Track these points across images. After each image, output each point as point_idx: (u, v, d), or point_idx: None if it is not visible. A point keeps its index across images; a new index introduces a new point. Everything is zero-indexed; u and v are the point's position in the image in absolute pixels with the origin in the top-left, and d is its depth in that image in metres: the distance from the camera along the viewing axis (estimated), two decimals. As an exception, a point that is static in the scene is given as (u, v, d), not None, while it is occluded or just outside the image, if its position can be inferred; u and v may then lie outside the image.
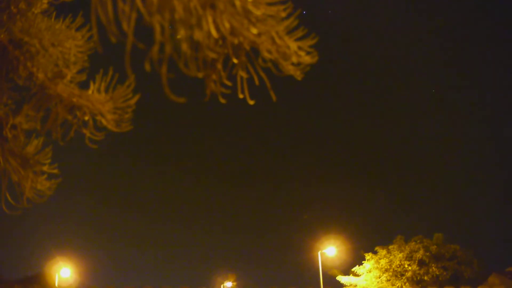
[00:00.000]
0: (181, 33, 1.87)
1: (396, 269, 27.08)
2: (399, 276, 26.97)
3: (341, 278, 28.60)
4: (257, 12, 2.03)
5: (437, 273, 26.48)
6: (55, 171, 3.58)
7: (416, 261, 26.82)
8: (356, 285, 27.27)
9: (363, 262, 28.28)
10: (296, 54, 2.19)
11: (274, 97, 2.23)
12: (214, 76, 2.16)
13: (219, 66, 2.17)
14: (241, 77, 2.20)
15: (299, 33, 2.20)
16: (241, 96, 2.20)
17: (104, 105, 3.24)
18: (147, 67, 1.78)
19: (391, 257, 27.34)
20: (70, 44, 3.52)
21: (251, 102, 2.18)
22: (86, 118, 3.30)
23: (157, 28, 1.82)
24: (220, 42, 2.09)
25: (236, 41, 2.10)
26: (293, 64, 2.22)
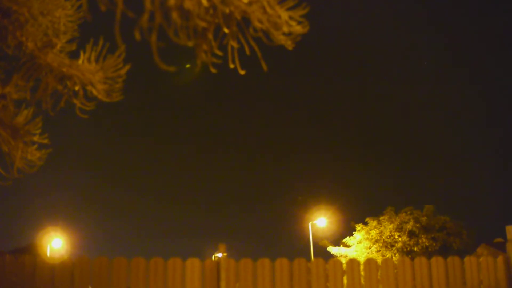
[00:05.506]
0: (171, 2, 1.85)
1: (386, 240, 27.30)
2: (389, 247, 27.21)
3: (332, 249, 28.80)
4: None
5: (427, 244, 26.73)
6: (46, 141, 3.57)
7: (406, 232, 27.03)
8: (346, 256, 27.48)
9: (353, 233, 28.47)
10: (287, 23, 2.18)
11: (265, 67, 2.22)
12: (204, 46, 2.15)
13: (210, 35, 2.15)
14: (232, 47, 2.19)
15: (290, 2, 2.19)
16: (232, 66, 2.19)
17: (95, 75, 3.22)
18: (137, 35, 1.77)
19: (381, 228, 27.54)
20: (59, 13, 3.49)
21: (242, 72, 2.18)
22: (77, 88, 3.29)
23: (147, -4, 1.80)
24: (211, 11, 2.07)
25: (227, 10, 2.09)
26: (284, 34, 2.21)
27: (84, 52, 3.26)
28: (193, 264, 5.53)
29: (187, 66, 2.14)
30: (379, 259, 6.18)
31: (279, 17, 2.16)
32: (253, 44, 2.18)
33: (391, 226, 27.47)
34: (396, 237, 27.23)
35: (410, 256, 25.11)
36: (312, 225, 33.26)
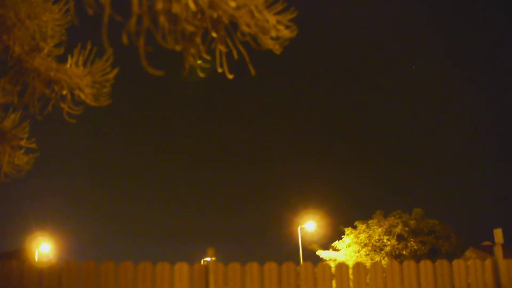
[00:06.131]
0: (159, 6, 1.85)
1: (375, 243, 27.37)
2: (378, 251, 27.27)
3: (321, 253, 28.81)
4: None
5: (415, 247, 26.83)
6: (33, 145, 3.56)
7: (395, 236, 27.12)
8: (335, 260, 27.48)
9: (342, 236, 28.50)
10: (275, 28, 2.18)
11: (253, 71, 2.22)
12: (192, 50, 2.15)
13: (198, 39, 2.15)
14: (220, 51, 2.19)
15: (278, 6, 2.19)
16: (220, 70, 2.19)
17: (82, 79, 3.21)
18: (125, 39, 1.77)
19: (370, 232, 27.60)
20: (47, 17, 3.47)
21: (230, 76, 2.18)
22: (64, 92, 3.27)
23: (135, 0, 1.80)
24: (199, 15, 2.07)
25: (215, 15, 2.09)
26: (272, 38, 2.21)
27: (72, 56, 3.25)
28: (181, 268, 5.51)
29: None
30: (368, 263, 6.19)
31: (267, 21, 2.16)
32: (241, 48, 2.18)
33: (380, 229, 27.54)
34: (385, 240, 27.30)
35: (399, 259, 25.17)
36: (301, 228, 33.27)
